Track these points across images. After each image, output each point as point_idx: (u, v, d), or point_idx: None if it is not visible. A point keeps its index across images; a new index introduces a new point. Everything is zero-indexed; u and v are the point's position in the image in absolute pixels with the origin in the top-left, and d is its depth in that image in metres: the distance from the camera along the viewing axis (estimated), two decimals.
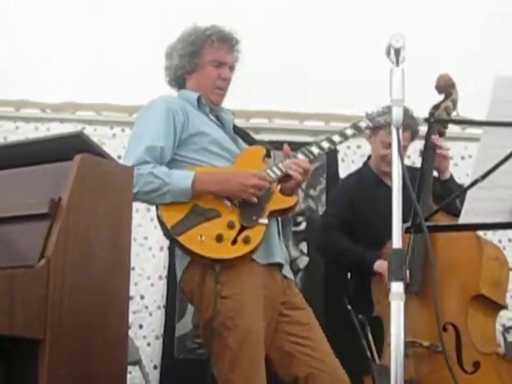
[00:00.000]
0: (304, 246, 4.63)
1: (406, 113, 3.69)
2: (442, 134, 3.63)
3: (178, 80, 3.04)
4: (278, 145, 3.06)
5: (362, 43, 4.42)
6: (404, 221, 1.93)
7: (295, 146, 3.01)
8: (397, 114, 1.91)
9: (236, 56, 3.03)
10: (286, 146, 2.94)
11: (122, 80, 4.57)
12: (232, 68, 3.02)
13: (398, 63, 1.94)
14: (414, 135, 3.92)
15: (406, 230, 1.99)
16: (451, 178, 3.73)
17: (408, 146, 3.94)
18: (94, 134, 4.54)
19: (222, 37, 2.97)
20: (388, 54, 1.95)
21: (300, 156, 2.93)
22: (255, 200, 2.78)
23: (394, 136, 1.91)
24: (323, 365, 2.77)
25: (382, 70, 2.01)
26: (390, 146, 2.32)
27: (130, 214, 2.33)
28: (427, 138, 2.66)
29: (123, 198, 2.31)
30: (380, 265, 3.59)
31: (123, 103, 4.72)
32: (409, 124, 3.78)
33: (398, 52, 1.94)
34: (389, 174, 3.59)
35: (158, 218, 2.78)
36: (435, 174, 3.65)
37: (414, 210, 1.96)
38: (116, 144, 4.53)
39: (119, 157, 3.79)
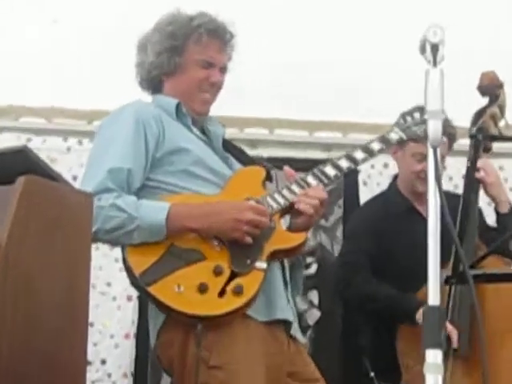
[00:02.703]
0: (314, 296, 4.60)
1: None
2: (487, 150, 3.63)
3: (153, 81, 3.02)
4: (280, 163, 3.06)
5: (384, 39, 4.48)
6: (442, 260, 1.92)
7: (303, 165, 3.01)
8: (434, 130, 1.92)
9: (229, 54, 3.01)
10: (286, 169, 2.92)
11: (78, 79, 4.60)
12: (224, 70, 3.01)
13: (435, 63, 1.95)
14: (451, 142, 3.94)
15: (446, 281, 1.99)
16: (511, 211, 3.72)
17: (446, 155, 3.95)
18: (43, 147, 4.59)
19: (212, 30, 2.94)
20: (423, 51, 1.95)
21: (311, 181, 2.88)
22: (250, 241, 2.75)
23: (431, 158, 1.92)
24: None
25: (415, 69, 2.03)
26: (425, 158, 2.29)
27: (88, 253, 2.33)
28: (473, 159, 2.65)
29: (79, 233, 2.31)
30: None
31: (81, 107, 4.75)
32: (444, 129, 3.80)
33: (435, 48, 1.94)
34: (424, 197, 3.60)
35: (124, 261, 2.76)
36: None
37: (455, 254, 1.96)
38: (71, 160, 4.57)
39: (75, 178, 3.81)
